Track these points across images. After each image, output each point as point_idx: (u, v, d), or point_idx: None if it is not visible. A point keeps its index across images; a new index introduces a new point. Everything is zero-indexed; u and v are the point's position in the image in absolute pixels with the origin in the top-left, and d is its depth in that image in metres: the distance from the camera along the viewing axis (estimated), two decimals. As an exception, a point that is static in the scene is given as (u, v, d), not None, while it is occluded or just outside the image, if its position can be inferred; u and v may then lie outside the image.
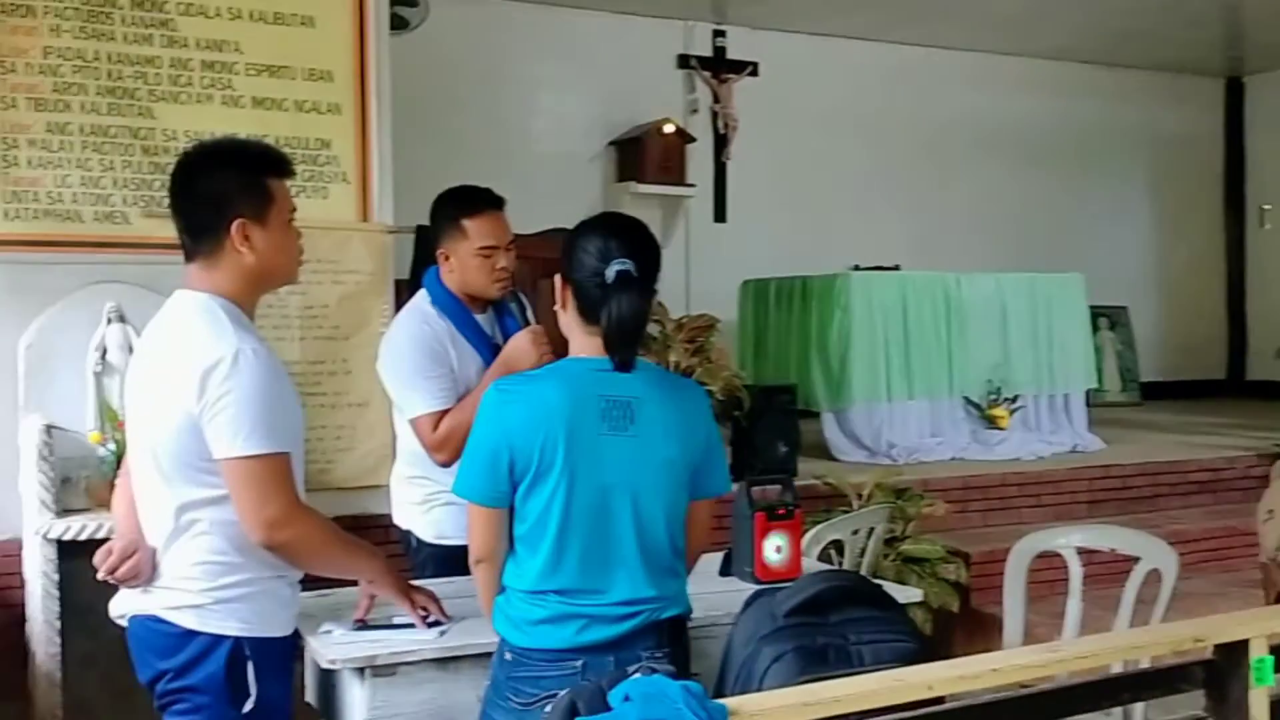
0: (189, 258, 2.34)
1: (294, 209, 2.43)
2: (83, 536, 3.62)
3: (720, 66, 9.08)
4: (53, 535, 3.68)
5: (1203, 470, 6.62)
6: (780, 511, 2.91)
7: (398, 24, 6.95)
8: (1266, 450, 6.80)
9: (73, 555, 3.62)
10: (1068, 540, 3.30)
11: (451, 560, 2.83)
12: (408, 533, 3.20)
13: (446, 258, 3.09)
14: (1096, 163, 10.63)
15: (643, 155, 8.51)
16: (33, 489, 3.74)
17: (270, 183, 2.35)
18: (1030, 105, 10.19)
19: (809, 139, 9.36)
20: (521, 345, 2.99)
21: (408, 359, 3.02)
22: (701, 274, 8.60)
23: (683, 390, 2.37)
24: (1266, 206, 11.16)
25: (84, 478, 3.79)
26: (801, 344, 6.92)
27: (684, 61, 9.04)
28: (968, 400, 6.95)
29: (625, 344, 2.18)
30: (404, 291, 4.31)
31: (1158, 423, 8.46)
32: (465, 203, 3.09)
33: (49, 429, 3.78)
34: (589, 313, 2.23)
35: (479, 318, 3.14)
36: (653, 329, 5.48)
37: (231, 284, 2.32)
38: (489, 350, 3.06)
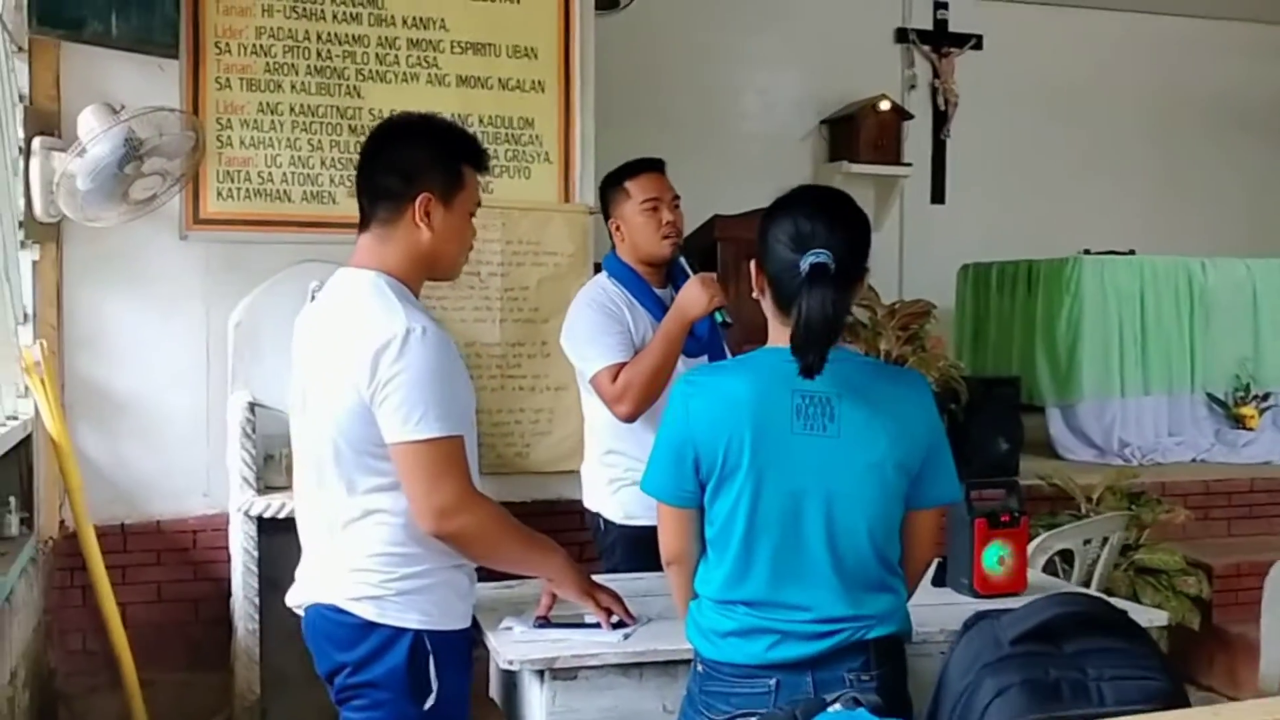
0: (363, 226, 2.27)
1: (478, 203, 2.34)
2: (283, 514, 3.64)
3: (941, 40, 8.62)
4: (254, 512, 3.72)
5: None
6: (1004, 518, 2.62)
7: (607, 3, 6.88)
8: None
9: (273, 532, 3.65)
10: (1343, 562, 2.85)
11: (641, 543, 2.76)
12: (597, 515, 3.16)
13: (618, 228, 3.12)
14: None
15: (856, 133, 8.15)
16: (236, 465, 3.79)
17: (465, 169, 2.28)
18: (1268, 74, 9.28)
19: (1034, 115, 8.78)
20: (692, 291, 2.92)
21: (583, 320, 3.04)
22: (917, 258, 8.20)
23: (899, 384, 2.10)
24: None
25: (285, 455, 3.80)
26: (1026, 333, 6.46)
27: (902, 35, 8.61)
28: (1211, 397, 6.36)
29: (813, 345, 1.92)
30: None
31: None
32: (626, 168, 3.14)
33: (252, 406, 3.82)
34: (784, 304, 2.02)
35: (659, 292, 3.13)
36: (862, 314, 5.20)
37: (401, 261, 2.23)
38: (663, 312, 3.04)
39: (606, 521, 3.09)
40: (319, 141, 4.29)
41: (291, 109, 4.26)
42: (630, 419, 2.91)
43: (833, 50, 8.39)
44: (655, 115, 7.60)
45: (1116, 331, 6.18)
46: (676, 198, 3.12)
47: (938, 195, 8.75)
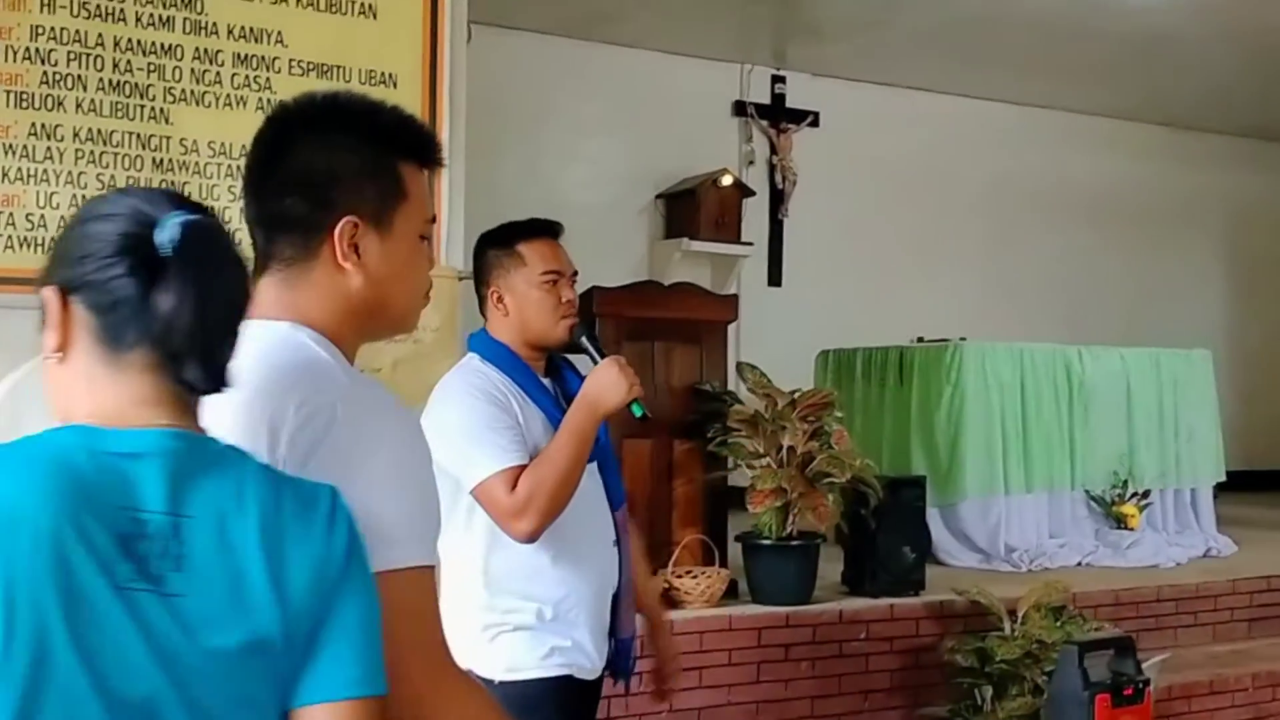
0: (259, 268, 1.42)
1: (433, 219, 1.53)
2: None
3: (779, 115, 8.26)
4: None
5: (1372, 583, 5.68)
6: (1128, 692, 1.94)
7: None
8: None
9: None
10: None
11: (532, 703, 2.28)
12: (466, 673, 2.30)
13: (500, 299, 2.51)
14: (1171, 230, 9.85)
15: (696, 209, 7.63)
16: None
17: (405, 170, 1.45)
18: (1102, 167, 9.42)
19: (871, 196, 8.53)
20: (607, 377, 2.39)
21: (465, 413, 2.37)
22: (754, 343, 7.66)
23: (300, 498, 1.16)
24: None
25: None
26: (898, 427, 5.97)
27: (740, 109, 8.21)
28: (1090, 495, 6.01)
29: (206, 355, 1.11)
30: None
31: (1265, 520, 7.52)
32: (519, 228, 2.55)
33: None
34: (113, 331, 1.12)
35: (544, 382, 2.55)
36: (759, 404, 4.52)
37: (324, 313, 1.41)
38: (556, 409, 2.46)
39: (481, 679, 2.29)
40: (112, 177, 3.30)
41: (76, 134, 3.27)
42: (532, 538, 2.29)
43: (669, 120, 7.88)
44: (484, 179, 6.80)
45: (999, 424, 5.77)
46: (575, 273, 2.56)
47: (774, 277, 8.31)
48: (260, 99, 3.50)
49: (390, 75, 3.67)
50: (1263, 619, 5.37)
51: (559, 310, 2.48)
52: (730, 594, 4.42)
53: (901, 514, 4.71)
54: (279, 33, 3.53)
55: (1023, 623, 4.35)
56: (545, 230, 2.55)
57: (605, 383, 2.38)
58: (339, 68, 3.59)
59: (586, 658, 2.39)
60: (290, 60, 3.53)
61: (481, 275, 2.56)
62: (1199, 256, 10.08)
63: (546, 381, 2.52)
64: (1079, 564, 5.70)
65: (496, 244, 2.54)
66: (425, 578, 1.34)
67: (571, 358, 2.66)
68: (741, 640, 4.12)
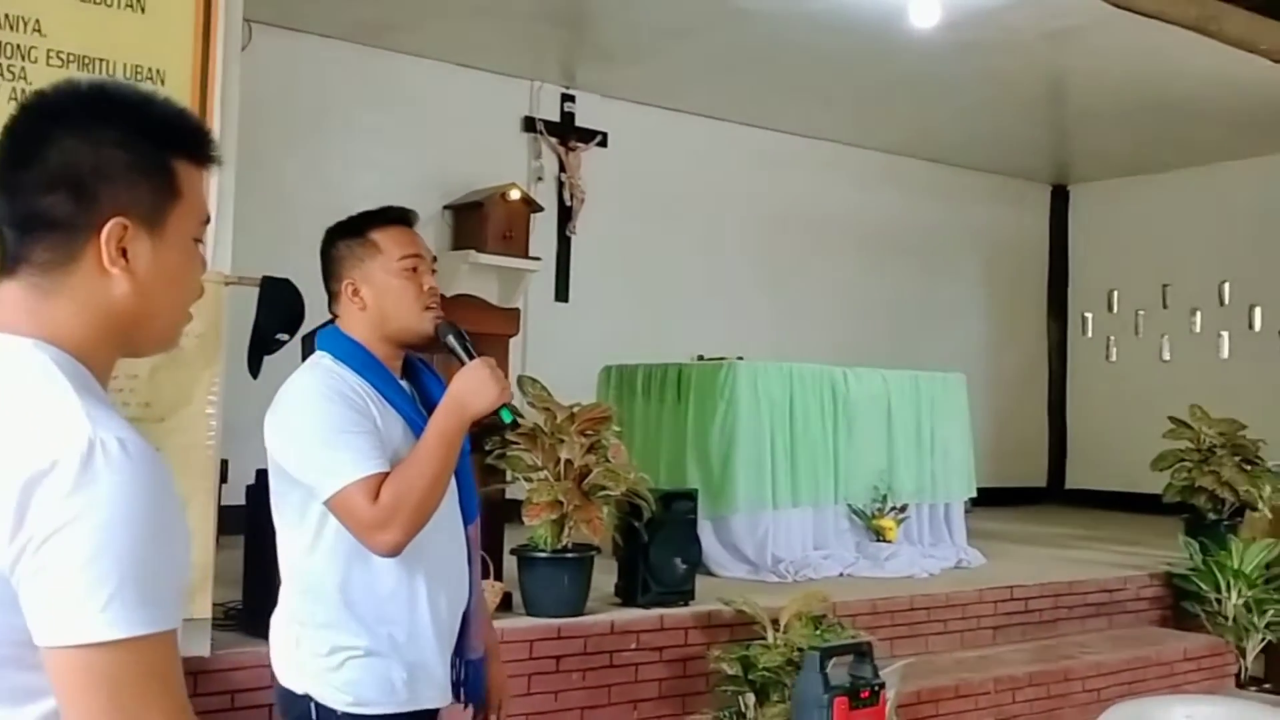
0: (6, 271, 1.32)
1: (207, 219, 1.44)
2: None
3: (568, 133, 8.35)
4: None
5: (1100, 591, 6.17)
6: (864, 695, 2.06)
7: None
8: (1155, 570, 6.43)
9: None
10: (1165, 716, 2.55)
11: None
12: (305, 699, 2.17)
13: (356, 292, 2.29)
14: (935, 261, 10.46)
15: (484, 222, 7.63)
16: None
17: (179, 167, 1.36)
18: (873, 198, 9.94)
19: (658, 217, 8.74)
20: (477, 378, 2.20)
21: (318, 416, 2.16)
22: (540, 357, 7.72)
23: None
24: (1087, 314, 11.28)
25: None
26: (675, 441, 6.12)
27: (530, 125, 8.26)
28: (852, 508, 6.30)
29: None
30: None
31: (1011, 533, 8.07)
32: (372, 217, 2.35)
33: None
34: None
35: (402, 384, 2.33)
36: (539, 418, 4.56)
37: (78, 327, 1.31)
38: (416, 415, 2.26)
39: (321, 709, 2.16)
40: None
41: None
42: (396, 551, 2.11)
43: (459, 133, 7.87)
44: (260, 183, 6.62)
45: (769, 440, 5.98)
46: (434, 258, 2.39)
47: (562, 293, 8.38)
48: (14, 89, 3.31)
49: (158, 72, 3.53)
50: (1005, 626, 5.74)
51: (422, 299, 2.28)
52: (504, 606, 4.43)
53: (674, 526, 4.84)
54: (36, 20, 3.34)
55: (785, 631, 4.52)
56: (399, 217, 2.38)
57: (475, 385, 2.19)
58: (102, 61, 3.42)
59: (436, 685, 2.25)
60: (49, 50, 3.35)
61: (332, 270, 2.34)
62: (960, 286, 10.72)
63: (404, 384, 2.33)
64: (841, 575, 5.96)
65: (348, 234, 2.33)
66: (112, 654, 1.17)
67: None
68: (513, 653, 4.13)
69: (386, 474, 2.10)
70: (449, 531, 2.27)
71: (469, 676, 2.35)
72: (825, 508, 6.22)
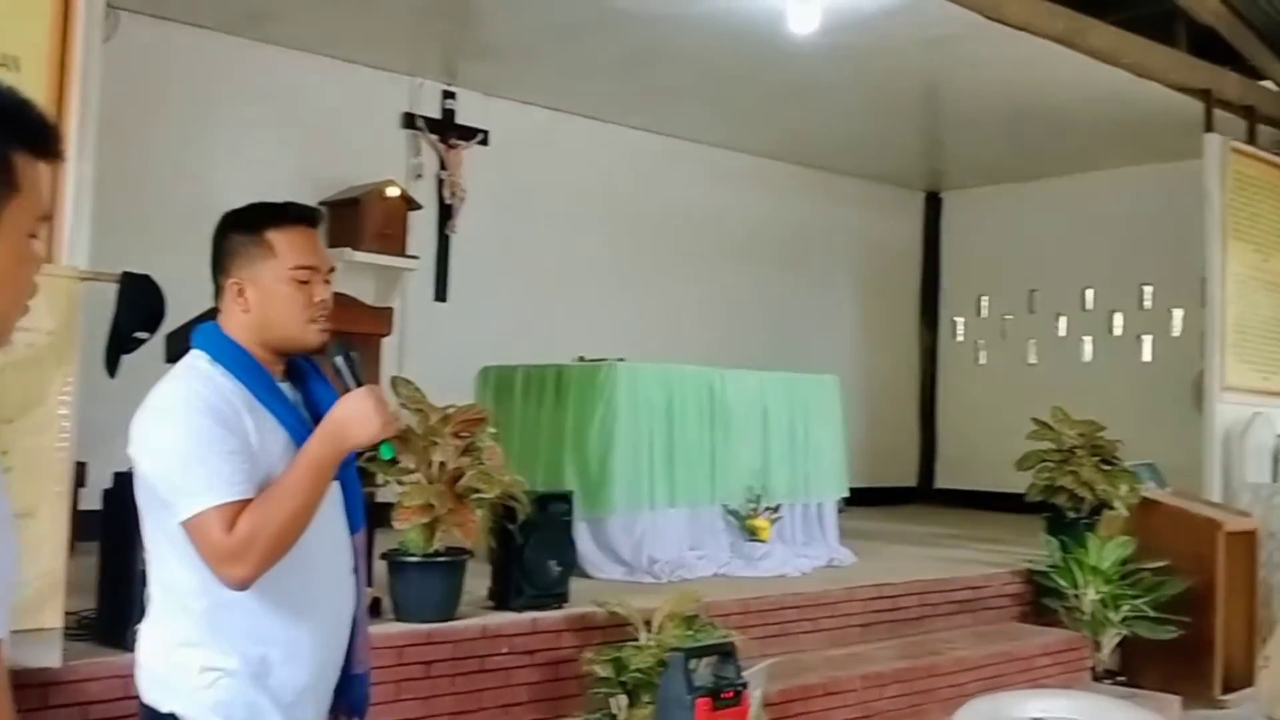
0: None
1: (45, 216, 1.40)
2: None
3: (449, 131, 8.27)
4: None
5: (965, 589, 6.34)
6: (727, 695, 2.08)
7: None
8: (1017, 567, 6.64)
9: None
10: (1021, 711, 2.63)
11: None
12: (169, 718, 2.08)
13: (241, 292, 2.15)
14: (811, 265, 10.64)
15: (360, 219, 7.49)
16: None
17: (18, 160, 1.32)
18: (753, 202, 10.07)
19: (539, 217, 8.72)
20: (361, 408, 2.08)
21: (185, 429, 2.03)
22: (420, 358, 7.61)
23: None
24: (958, 319, 11.60)
25: None
26: (554, 442, 6.10)
27: (409, 121, 8.15)
28: (727, 509, 6.37)
29: None
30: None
31: (886, 532, 8.26)
32: (271, 213, 2.19)
33: None
34: None
35: (283, 387, 2.19)
36: (412, 420, 4.50)
37: None
38: (299, 424, 2.13)
39: None
40: None
41: None
42: (243, 587, 1.99)
43: (336, 128, 7.74)
44: (124, 179, 6.41)
45: (647, 442, 6.01)
46: (333, 269, 2.23)
47: (441, 293, 8.29)
48: None
49: (12, 58, 3.39)
50: (874, 624, 5.86)
51: (309, 311, 2.14)
52: (374, 612, 4.35)
53: (549, 529, 4.82)
54: (-122, 1, 3.20)
55: (658, 632, 4.54)
56: (301, 217, 2.21)
57: (357, 414, 2.07)
58: (-51, 45, 3.29)
59: (317, 704, 2.16)
60: (-111, 31, 3.21)
61: (220, 263, 2.18)
62: (835, 290, 10.93)
63: (286, 387, 2.20)
64: (715, 574, 6.01)
65: (242, 228, 2.17)
66: None
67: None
68: (382, 659, 4.04)
69: (247, 502, 1.99)
70: (333, 543, 2.18)
71: (354, 690, 2.27)
72: (701, 508, 6.28)
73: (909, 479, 11.59)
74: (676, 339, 8.97)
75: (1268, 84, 8.68)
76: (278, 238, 2.14)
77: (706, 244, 9.76)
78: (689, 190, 9.61)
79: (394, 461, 2.22)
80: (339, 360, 2.17)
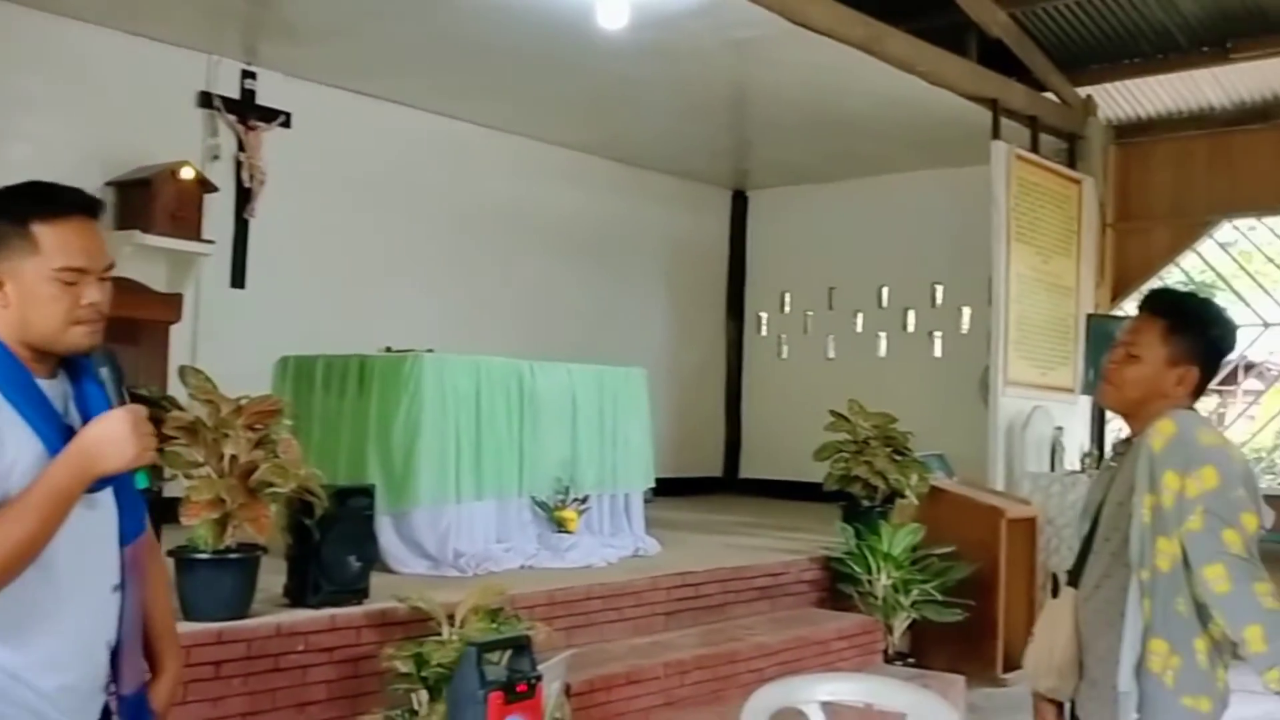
0: None
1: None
2: None
3: (248, 111, 7.96)
4: None
5: (765, 576, 6.50)
6: (521, 688, 2.06)
7: None
8: (815, 554, 6.84)
9: None
10: (810, 694, 2.70)
11: None
12: None
13: (0, 285, 1.95)
14: (621, 259, 10.72)
15: (152, 201, 7.15)
16: None
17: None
18: (563, 195, 10.07)
19: (344, 203, 8.50)
20: (115, 431, 1.90)
21: None
22: (213, 345, 7.33)
23: None
24: (762, 314, 11.89)
25: None
26: (356, 435, 5.95)
27: (206, 100, 7.81)
28: (535, 501, 6.35)
29: None
30: None
31: (691, 522, 8.40)
32: (41, 200, 1.97)
33: None
34: None
35: (43, 383, 1.98)
36: (201, 411, 4.32)
37: None
38: (57, 431, 1.94)
39: None
40: None
41: None
42: None
43: (126, 105, 7.36)
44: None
45: (454, 434, 5.93)
46: (110, 267, 2.02)
47: (238, 279, 7.99)
48: None
49: None
50: (678, 612, 5.94)
51: (74, 314, 1.96)
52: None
53: (349, 523, 4.70)
54: None
55: (461, 626, 4.49)
56: (76, 207, 1.98)
57: (110, 437, 1.89)
58: None
59: None
60: None
61: None
62: (644, 284, 11.05)
63: (54, 383, 2.00)
64: (522, 567, 5.98)
65: (6, 215, 1.95)
66: None
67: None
68: (168, 660, 3.89)
69: None
70: (93, 558, 2.00)
71: (128, 712, 2.10)
72: (509, 500, 6.23)
73: (715, 469, 11.81)
74: (486, 331, 8.88)
75: (1050, 95, 9.22)
76: (44, 232, 1.94)
77: (517, 236, 9.71)
78: (499, 181, 9.54)
79: (151, 491, 2.04)
80: (104, 372, 2.02)
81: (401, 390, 5.81)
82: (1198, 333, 2.60)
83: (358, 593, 4.69)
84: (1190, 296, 2.84)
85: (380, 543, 5.67)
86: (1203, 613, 2.45)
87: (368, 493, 4.95)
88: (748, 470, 11.84)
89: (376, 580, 4.94)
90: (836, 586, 6.70)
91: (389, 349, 6.73)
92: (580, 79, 8.15)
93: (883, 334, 11.12)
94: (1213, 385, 2.81)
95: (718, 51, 7.64)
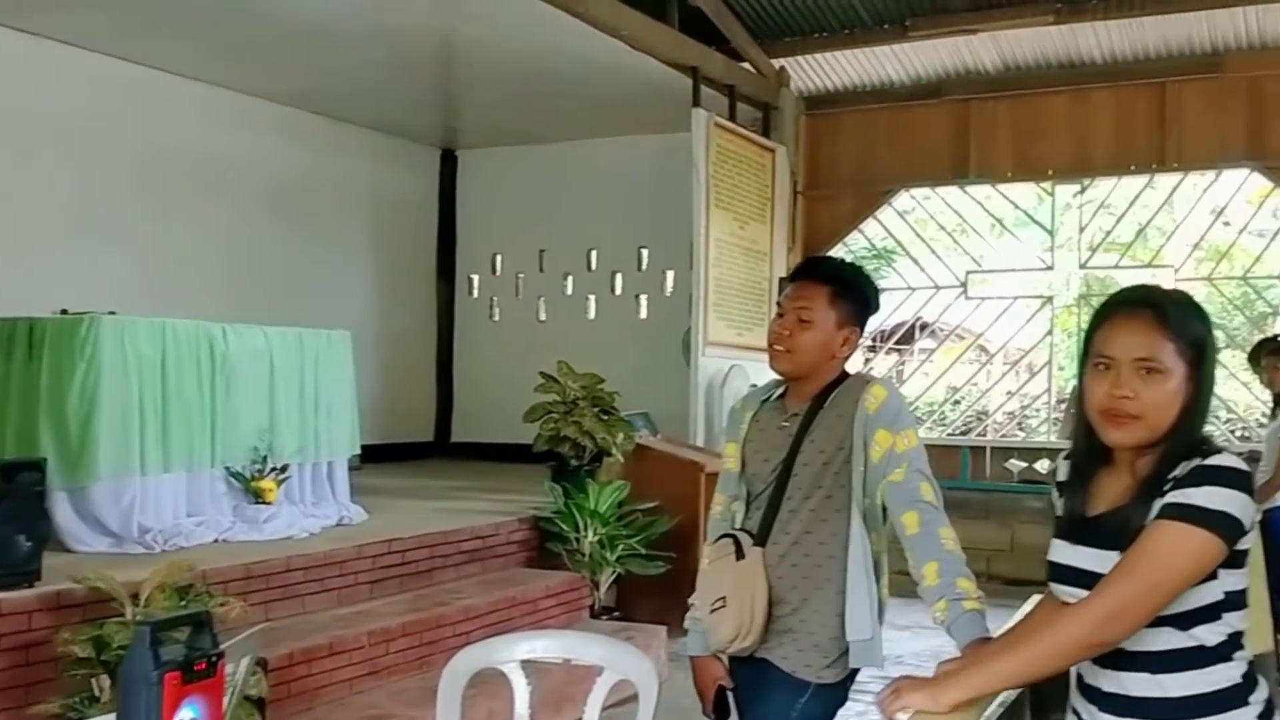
0: None
1: None
2: None
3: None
4: None
5: (474, 539, 6.49)
6: (200, 667, 1.95)
7: None
8: (524, 515, 6.89)
9: None
10: (510, 654, 2.70)
11: None
12: None
13: None
14: (324, 216, 10.37)
15: None
16: None
17: None
18: (259, 146, 9.61)
19: (11, 152, 7.76)
20: None
21: None
22: None
23: None
24: (474, 276, 11.81)
25: None
26: (26, 405, 5.47)
27: None
28: (230, 471, 6.06)
29: None
30: None
31: (400, 488, 8.27)
32: None
33: None
34: None
35: None
36: None
37: None
38: None
39: None
40: None
41: None
42: None
43: None
44: None
45: (137, 403, 5.55)
46: None
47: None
48: None
49: None
50: (382, 580, 5.84)
51: None
52: None
53: (17, 500, 4.34)
54: None
55: (146, 606, 4.24)
56: None
57: None
58: None
59: None
60: None
61: None
62: (350, 244, 10.73)
63: None
64: (216, 541, 5.71)
65: None
66: None
67: None
68: None
69: None
70: None
71: None
72: (200, 472, 5.92)
73: (426, 434, 11.67)
74: (176, 293, 8.39)
75: (747, 66, 9.57)
76: None
77: (208, 192, 9.18)
78: (187, 131, 8.98)
79: None
80: None
81: (77, 356, 5.39)
82: (858, 296, 2.78)
83: (28, 575, 4.34)
84: (846, 264, 3.01)
85: (55, 520, 5.28)
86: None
87: (38, 466, 4.57)
88: (460, 434, 11.77)
89: (51, 560, 4.60)
90: (545, 546, 6.77)
91: (65, 311, 6.24)
92: (276, 23, 7.73)
93: (592, 296, 11.28)
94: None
95: (420, 4, 7.46)
